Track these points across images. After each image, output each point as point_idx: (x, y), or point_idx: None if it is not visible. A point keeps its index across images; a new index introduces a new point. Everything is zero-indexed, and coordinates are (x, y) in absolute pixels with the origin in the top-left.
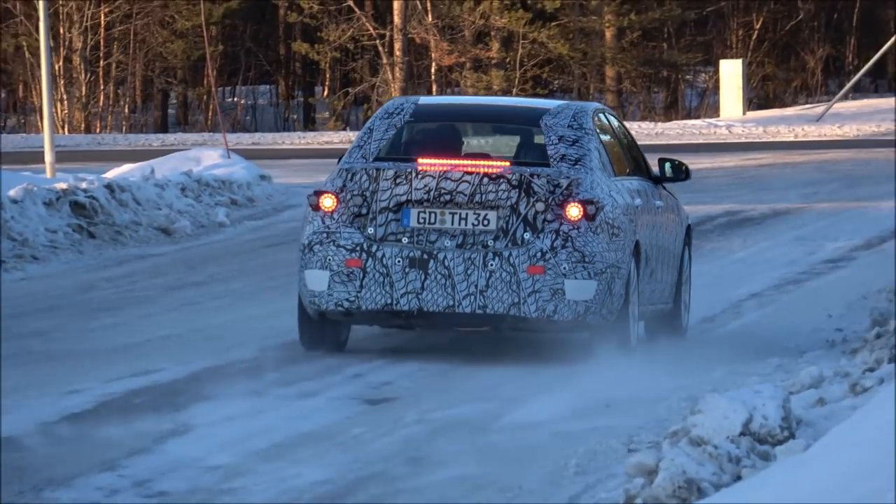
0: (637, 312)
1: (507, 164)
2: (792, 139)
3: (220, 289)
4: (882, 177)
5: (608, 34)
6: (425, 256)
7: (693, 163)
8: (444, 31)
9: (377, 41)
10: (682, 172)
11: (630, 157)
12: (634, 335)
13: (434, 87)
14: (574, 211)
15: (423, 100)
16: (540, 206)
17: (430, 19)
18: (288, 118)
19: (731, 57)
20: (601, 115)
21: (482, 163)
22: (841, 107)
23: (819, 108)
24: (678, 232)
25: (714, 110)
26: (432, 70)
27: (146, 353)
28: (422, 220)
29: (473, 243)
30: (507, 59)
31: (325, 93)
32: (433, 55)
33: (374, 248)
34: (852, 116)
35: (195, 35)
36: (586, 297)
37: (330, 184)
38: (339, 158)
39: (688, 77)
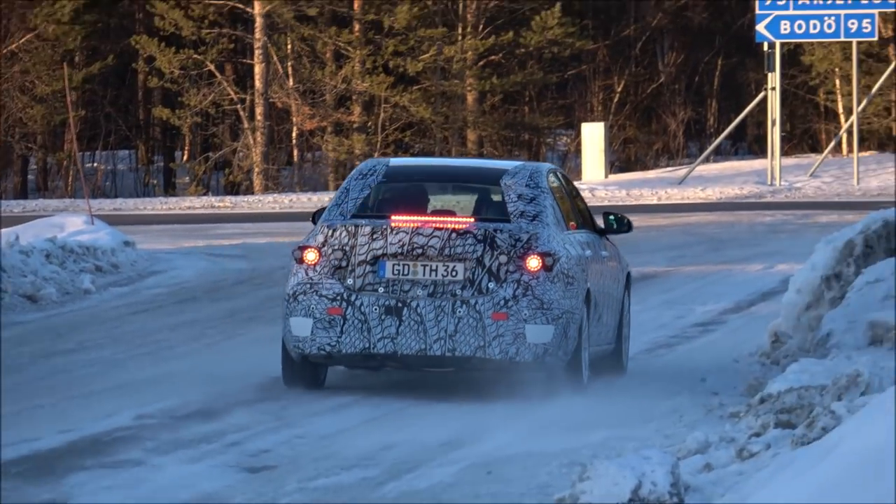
0: (588, 354)
1: (472, 220)
2: (655, 202)
3: (89, 356)
4: (747, 239)
5: (470, 98)
6: (400, 304)
7: None
8: (306, 96)
9: (238, 106)
10: (624, 225)
11: (578, 212)
12: (586, 375)
13: (295, 152)
14: (533, 262)
15: (394, 161)
16: (503, 258)
17: (291, 84)
18: (148, 183)
19: (593, 120)
20: (553, 175)
21: (450, 219)
22: (703, 169)
23: (681, 171)
24: (620, 279)
25: (576, 173)
26: (294, 134)
27: (20, 421)
28: (396, 272)
29: (443, 292)
30: (369, 123)
31: (186, 157)
32: (295, 119)
33: (353, 298)
34: (714, 179)
35: (55, 100)
36: (545, 341)
37: (312, 239)
38: (314, 216)
39: (549, 140)
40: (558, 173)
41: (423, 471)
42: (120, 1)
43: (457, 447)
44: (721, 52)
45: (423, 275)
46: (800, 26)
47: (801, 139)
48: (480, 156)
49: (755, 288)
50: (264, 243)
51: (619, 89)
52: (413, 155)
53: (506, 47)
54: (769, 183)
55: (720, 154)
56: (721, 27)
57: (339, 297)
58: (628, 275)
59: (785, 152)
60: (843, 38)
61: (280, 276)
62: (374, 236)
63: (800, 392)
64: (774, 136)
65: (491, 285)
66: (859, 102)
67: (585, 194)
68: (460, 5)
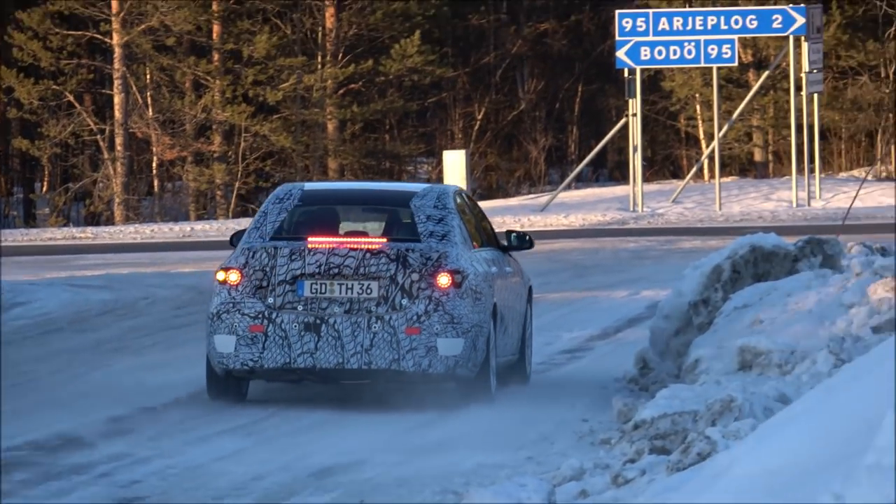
0: (495, 364)
1: (385, 240)
2: (518, 229)
3: None
4: (611, 266)
5: (330, 126)
6: (318, 321)
7: None
8: (166, 126)
9: (98, 136)
10: (525, 241)
11: (483, 231)
12: (494, 385)
13: (156, 182)
14: (444, 280)
15: (308, 186)
16: (415, 276)
17: (151, 114)
18: (8, 215)
19: (454, 147)
20: (459, 196)
21: (363, 240)
22: (565, 196)
23: (543, 198)
24: (523, 293)
25: None
26: (154, 164)
27: None
28: (314, 291)
29: (359, 309)
30: (230, 153)
31: (46, 189)
32: (155, 149)
33: (273, 315)
34: (577, 206)
35: None
36: (456, 353)
37: (234, 260)
38: (232, 238)
39: (410, 168)
40: (463, 194)
41: (296, 500)
42: None
43: (331, 474)
44: (581, 78)
45: (340, 293)
46: (660, 52)
47: (663, 165)
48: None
49: (621, 314)
50: (127, 274)
51: (480, 117)
52: (274, 184)
53: (366, 75)
54: (632, 209)
55: (582, 181)
56: (581, 54)
57: (260, 315)
58: (530, 289)
59: (647, 178)
60: (703, 64)
61: (144, 306)
62: (293, 257)
63: (673, 418)
64: (636, 162)
65: (404, 302)
66: (720, 128)
67: None
68: (319, 34)
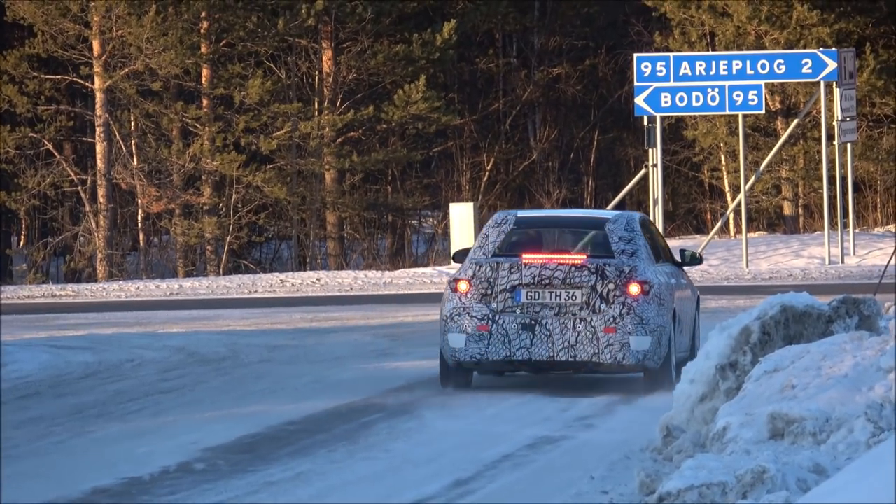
0: (675, 359)
1: (585, 257)
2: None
3: None
4: None
5: (328, 177)
6: (533, 322)
7: (426, 314)
8: (152, 176)
9: (79, 187)
10: (696, 259)
11: (662, 249)
12: (674, 375)
13: (141, 236)
14: (634, 289)
15: (521, 213)
16: (611, 285)
17: (135, 163)
18: None
19: (461, 200)
20: (643, 221)
21: (568, 256)
22: None
23: None
24: (693, 301)
25: (444, 258)
26: (139, 217)
27: None
28: (529, 297)
29: (566, 312)
30: (220, 205)
31: (23, 243)
32: (140, 201)
33: (496, 317)
34: None
35: None
36: (644, 348)
37: (463, 273)
38: (454, 255)
39: (414, 222)
40: (647, 221)
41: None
42: None
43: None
44: (597, 126)
45: (550, 299)
46: (681, 99)
47: (686, 219)
48: (342, 238)
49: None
50: (111, 334)
51: (489, 167)
52: (268, 238)
53: (366, 123)
54: None
55: None
56: (597, 100)
57: (486, 317)
58: (698, 298)
59: (668, 233)
60: (728, 112)
61: (129, 369)
62: (512, 270)
63: (700, 490)
64: (657, 215)
65: (602, 306)
66: (746, 180)
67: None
68: (316, 78)
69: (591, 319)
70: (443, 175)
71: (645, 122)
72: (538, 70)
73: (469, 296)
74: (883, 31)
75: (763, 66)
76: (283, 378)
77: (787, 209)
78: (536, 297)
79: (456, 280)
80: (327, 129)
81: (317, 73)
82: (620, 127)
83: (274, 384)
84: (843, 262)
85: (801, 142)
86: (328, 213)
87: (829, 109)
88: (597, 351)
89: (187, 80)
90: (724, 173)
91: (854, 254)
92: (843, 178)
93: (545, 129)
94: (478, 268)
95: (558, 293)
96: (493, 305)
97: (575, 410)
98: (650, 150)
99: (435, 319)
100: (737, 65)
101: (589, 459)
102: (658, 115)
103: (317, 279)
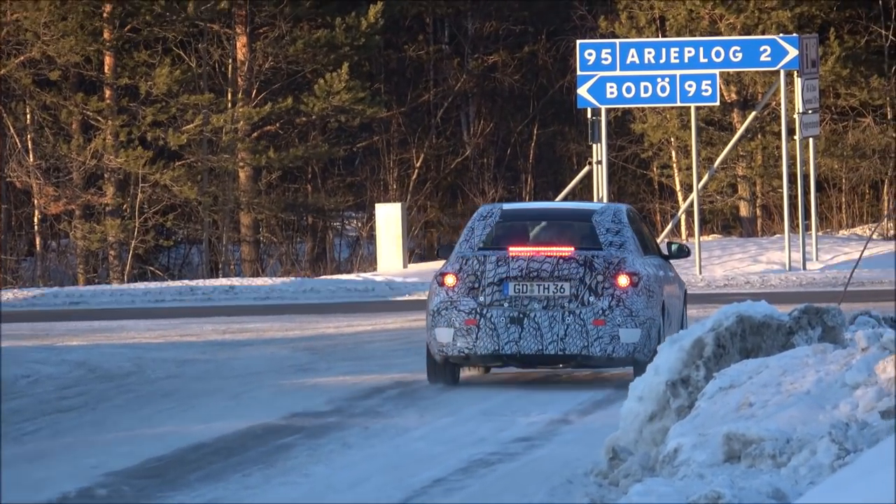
0: None
1: (572, 249)
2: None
3: None
4: None
5: (243, 175)
6: (521, 315)
7: (350, 325)
8: (49, 174)
9: None
10: (684, 251)
11: (648, 241)
12: None
13: (38, 240)
14: (623, 280)
15: (506, 205)
16: (600, 277)
17: (31, 160)
18: None
19: (388, 200)
20: (630, 213)
21: (556, 249)
22: None
23: None
24: (681, 295)
25: (370, 263)
26: (36, 219)
27: None
28: (517, 290)
29: (554, 305)
30: (125, 206)
31: None
32: (37, 202)
33: (484, 311)
34: None
35: None
36: (634, 341)
37: (450, 267)
38: (438, 251)
39: (337, 224)
40: (633, 212)
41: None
42: None
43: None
44: (537, 119)
45: (538, 292)
46: (629, 89)
47: None
48: (257, 242)
49: (587, 395)
50: (4, 347)
51: (418, 164)
52: (176, 242)
53: (284, 116)
54: None
55: None
56: (536, 91)
57: (473, 311)
58: (685, 292)
59: None
60: (679, 104)
61: (24, 386)
62: (499, 263)
63: None
64: None
65: (591, 299)
66: (699, 178)
67: (381, 287)
68: (229, 67)
69: (580, 312)
70: (368, 173)
71: (589, 115)
72: (472, 58)
73: (456, 289)
74: (849, 14)
75: (718, 54)
76: (193, 396)
77: (744, 210)
78: (524, 290)
79: (443, 274)
80: (241, 122)
81: (230, 61)
82: (562, 120)
83: (183, 402)
84: (804, 268)
85: (759, 136)
86: (242, 214)
87: (790, 101)
88: (586, 344)
89: (88, 69)
90: (676, 171)
91: (817, 259)
92: (805, 177)
93: (480, 123)
94: (464, 261)
95: (546, 286)
96: (481, 299)
97: (513, 430)
98: (594, 146)
99: (360, 331)
100: (689, 52)
101: (528, 484)
102: (603, 108)
103: (230, 287)
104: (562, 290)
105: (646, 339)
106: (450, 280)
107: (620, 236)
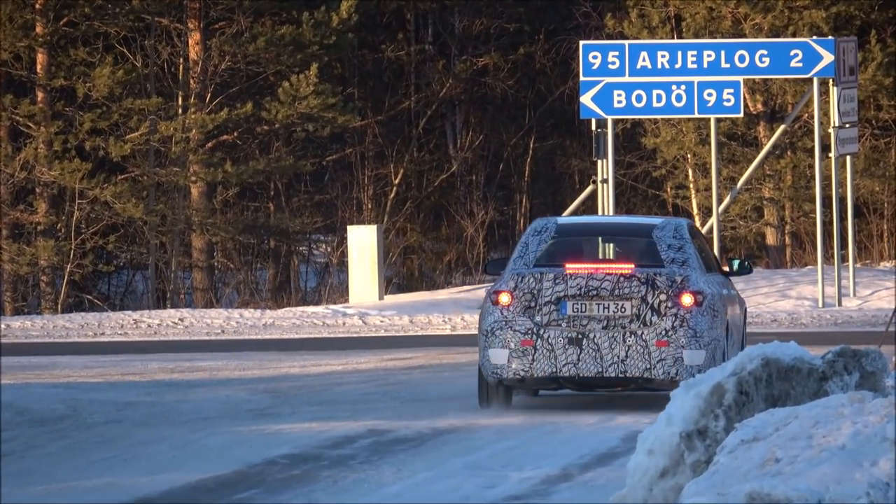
0: None
1: (633, 266)
2: (449, 332)
3: None
4: None
5: (195, 191)
6: (580, 336)
7: (317, 365)
8: None
9: None
10: (745, 268)
11: (709, 257)
12: None
13: None
14: (687, 300)
15: (560, 220)
16: (662, 296)
17: None
18: None
19: (362, 222)
20: (692, 228)
21: (615, 266)
22: None
23: (483, 292)
24: (742, 314)
25: (341, 294)
26: None
27: None
28: (575, 310)
29: (615, 325)
30: (59, 226)
31: None
32: None
33: (541, 331)
34: None
35: None
36: (699, 363)
37: (504, 284)
38: (486, 267)
39: (303, 249)
40: (694, 227)
41: None
42: None
43: None
44: (533, 131)
45: (598, 311)
46: (639, 98)
47: None
48: (211, 268)
49: (589, 447)
50: None
51: (397, 181)
52: (118, 267)
53: (243, 124)
54: None
55: None
56: (533, 98)
57: (530, 331)
58: (745, 311)
59: None
60: (697, 115)
61: None
62: (556, 281)
63: None
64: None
65: (654, 319)
66: (720, 201)
67: (354, 321)
68: (181, 67)
69: (642, 333)
70: (339, 190)
71: (593, 127)
72: (460, 60)
73: (511, 308)
74: (892, 14)
75: (742, 59)
76: (136, 444)
77: (771, 238)
78: (583, 310)
79: (497, 292)
80: (194, 130)
81: (181, 60)
82: (562, 132)
83: (125, 451)
84: (840, 304)
85: (789, 153)
86: (194, 236)
87: (825, 113)
88: (648, 366)
89: (18, 68)
90: (693, 192)
91: (854, 294)
92: (842, 200)
93: (468, 135)
94: (520, 279)
95: (606, 305)
96: (538, 318)
97: (503, 488)
98: (599, 162)
99: (329, 371)
100: (709, 56)
101: None
102: (609, 119)
103: (180, 319)
104: (623, 310)
105: (710, 361)
106: (504, 298)
107: (683, 253)
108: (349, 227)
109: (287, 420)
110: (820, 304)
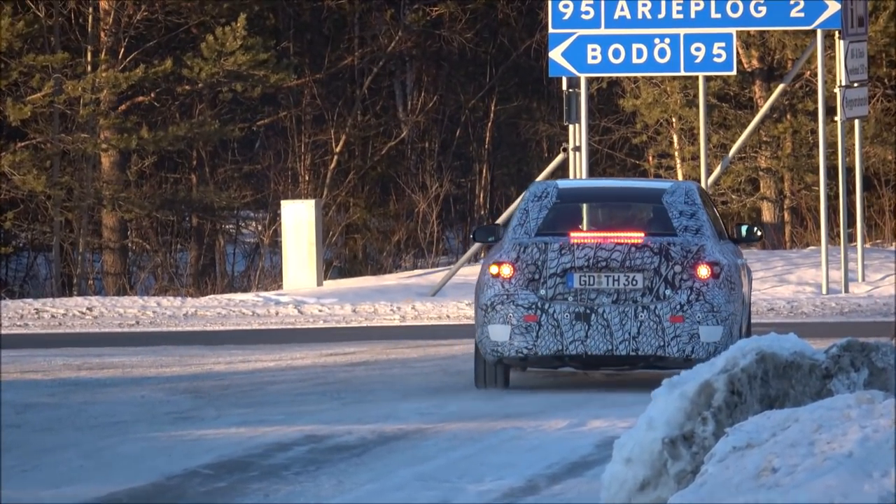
0: None
1: (643, 234)
2: (398, 323)
3: None
4: (541, 381)
5: (106, 161)
6: (588, 311)
7: (246, 361)
8: None
9: None
10: (754, 235)
11: (720, 224)
12: None
13: None
14: (704, 271)
15: (562, 183)
16: (677, 268)
17: None
18: None
19: (298, 196)
20: (703, 193)
21: (625, 235)
22: (468, 273)
23: (437, 276)
24: (749, 282)
25: (273, 279)
26: None
27: None
28: (583, 283)
29: (626, 299)
30: None
31: None
32: None
33: (546, 306)
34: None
35: None
36: (716, 339)
37: (506, 255)
38: (475, 233)
39: (230, 227)
40: (704, 192)
41: None
42: None
43: None
44: (495, 91)
45: (607, 284)
46: (616, 53)
47: None
48: (124, 249)
49: (558, 455)
50: None
51: (338, 149)
52: (17, 248)
53: (161, 83)
54: None
55: None
56: (495, 54)
57: (533, 306)
58: (751, 280)
59: None
60: (683, 73)
61: None
62: (563, 251)
63: None
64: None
65: (667, 292)
66: (710, 171)
67: (289, 310)
68: (90, 18)
69: (656, 307)
70: (272, 160)
71: (564, 87)
72: (411, 9)
73: (513, 281)
74: None
75: (735, 8)
76: (38, 451)
77: (768, 214)
78: (591, 283)
79: (497, 263)
80: (105, 91)
81: (90, 10)
82: (528, 93)
83: (24, 460)
84: (846, 290)
85: (789, 117)
86: (105, 213)
87: (830, 71)
88: (662, 343)
89: None
90: (678, 161)
91: (863, 279)
92: (849, 170)
93: (420, 96)
94: (522, 249)
95: (616, 277)
96: (542, 292)
97: (463, 497)
98: (571, 127)
99: (259, 368)
100: (696, 5)
101: None
102: (583, 77)
103: (88, 308)
104: (634, 283)
105: (728, 337)
106: (506, 270)
107: (696, 220)
108: (283, 203)
109: (211, 425)
110: (823, 291)
